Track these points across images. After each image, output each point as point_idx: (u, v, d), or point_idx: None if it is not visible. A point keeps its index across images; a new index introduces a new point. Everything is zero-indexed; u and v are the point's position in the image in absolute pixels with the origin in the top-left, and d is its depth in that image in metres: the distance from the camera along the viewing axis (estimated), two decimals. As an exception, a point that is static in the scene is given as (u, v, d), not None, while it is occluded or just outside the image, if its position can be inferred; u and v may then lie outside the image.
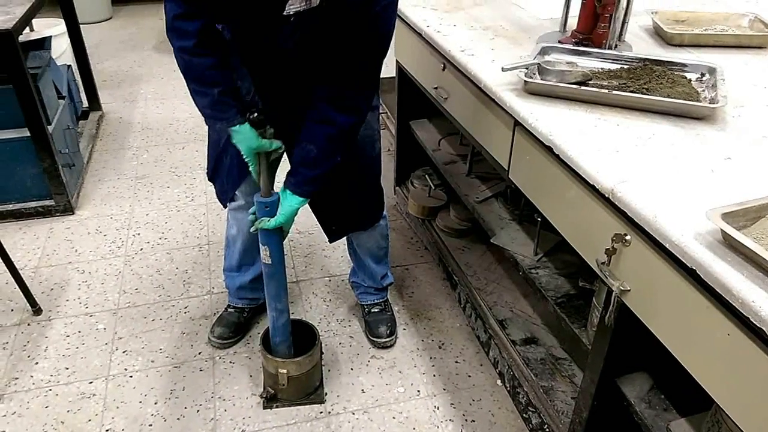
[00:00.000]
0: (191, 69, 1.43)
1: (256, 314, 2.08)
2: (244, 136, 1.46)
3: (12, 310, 2.13)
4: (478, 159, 2.16)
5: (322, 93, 1.44)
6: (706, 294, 0.94)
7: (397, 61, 2.24)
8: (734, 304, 0.88)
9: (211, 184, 1.83)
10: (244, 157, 1.48)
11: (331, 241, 1.86)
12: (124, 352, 1.98)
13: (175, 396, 1.84)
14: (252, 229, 1.56)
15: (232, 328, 2.01)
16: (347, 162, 1.55)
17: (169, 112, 3.54)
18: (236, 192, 1.74)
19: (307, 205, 1.56)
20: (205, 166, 1.88)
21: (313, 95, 1.46)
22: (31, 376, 1.89)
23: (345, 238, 1.94)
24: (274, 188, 1.53)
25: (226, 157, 1.67)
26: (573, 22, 1.71)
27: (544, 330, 1.88)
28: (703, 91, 1.41)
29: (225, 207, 1.82)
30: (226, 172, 1.69)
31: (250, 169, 1.51)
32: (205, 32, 1.38)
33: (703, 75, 1.47)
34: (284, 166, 1.56)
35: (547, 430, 1.65)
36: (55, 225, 2.57)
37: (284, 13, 1.29)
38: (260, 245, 1.59)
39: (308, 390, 1.82)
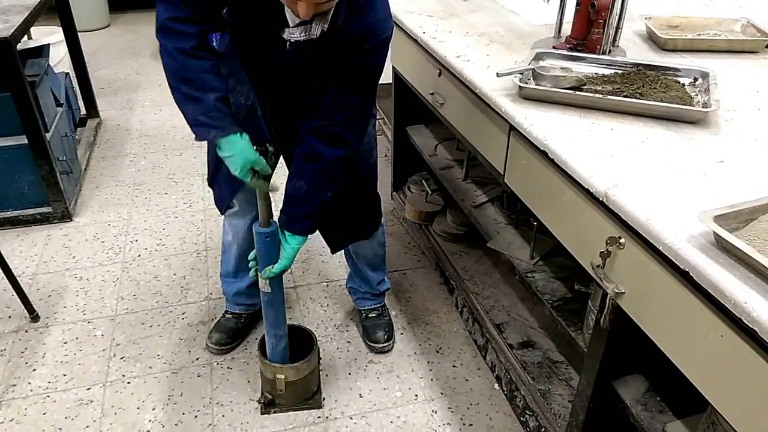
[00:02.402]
0: (186, 71, 1.32)
1: (253, 320, 2.08)
2: (240, 148, 1.35)
3: (9, 317, 2.13)
4: (474, 164, 2.17)
5: (310, 125, 1.44)
6: (699, 296, 0.95)
7: (393, 67, 2.25)
8: (727, 306, 0.89)
9: (210, 189, 1.83)
10: (238, 172, 1.37)
11: (333, 252, 1.87)
12: (121, 358, 1.99)
13: (173, 402, 1.84)
14: (251, 274, 1.58)
15: (230, 334, 2.01)
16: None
17: (167, 119, 3.55)
18: (233, 199, 1.75)
19: None
20: (204, 172, 1.88)
21: (301, 129, 1.46)
22: (29, 383, 1.89)
23: (341, 243, 1.95)
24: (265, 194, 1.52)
25: (224, 165, 1.65)
26: (567, 28, 1.72)
27: (541, 333, 1.89)
28: (696, 95, 1.42)
29: (222, 214, 1.83)
30: (224, 179, 1.69)
31: (247, 184, 1.41)
32: (204, 34, 1.32)
33: (696, 79, 1.48)
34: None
35: (545, 433, 1.65)
36: (53, 232, 2.58)
37: (285, 39, 1.32)
38: (259, 277, 1.60)
39: (306, 395, 1.82)
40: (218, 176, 1.73)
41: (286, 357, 1.75)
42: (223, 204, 1.79)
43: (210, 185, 1.81)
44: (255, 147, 1.38)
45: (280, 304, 1.66)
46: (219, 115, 1.34)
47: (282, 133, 1.59)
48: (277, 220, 1.53)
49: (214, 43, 1.44)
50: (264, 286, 1.60)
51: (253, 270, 1.58)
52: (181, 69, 1.32)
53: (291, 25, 1.31)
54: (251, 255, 1.56)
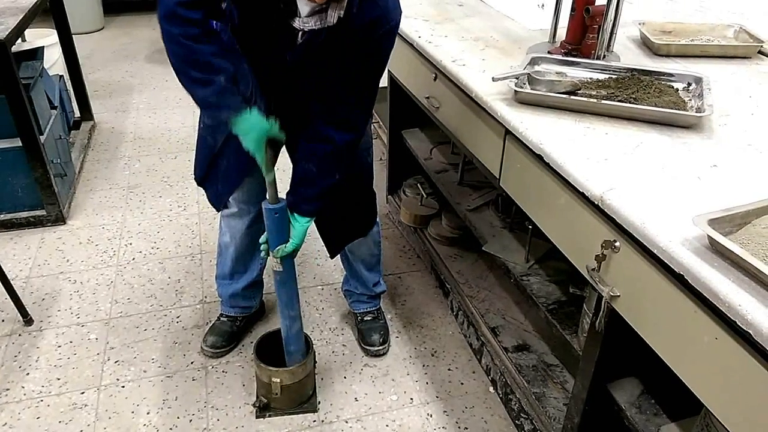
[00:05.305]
0: (194, 54, 1.31)
1: (248, 323, 2.08)
2: (253, 122, 1.35)
3: (3, 321, 2.12)
4: (469, 168, 2.18)
5: (318, 110, 1.46)
6: (693, 299, 0.96)
7: (389, 71, 2.26)
8: (721, 308, 0.89)
9: (202, 189, 1.80)
10: (251, 147, 1.38)
11: (332, 256, 1.87)
12: (116, 362, 1.98)
13: (168, 406, 1.83)
14: (263, 256, 1.61)
15: (225, 337, 2.01)
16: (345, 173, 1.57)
17: (161, 122, 3.54)
18: (230, 199, 1.75)
19: None
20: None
21: (309, 112, 1.48)
22: (23, 387, 1.88)
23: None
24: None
25: (222, 161, 1.64)
26: (562, 33, 1.73)
27: (536, 337, 1.89)
28: (690, 100, 1.43)
29: (219, 211, 1.82)
30: (222, 175, 1.68)
31: (258, 160, 1.41)
32: (207, 20, 1.31)
33: (689, 84, 1.50)
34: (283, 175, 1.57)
35: (540, 436, 1.66)
36: (47, 235, 2.57)
37: (298, 29, 1.33)
38: (271, 255, 1.61)
39: (301, 399, 1.82)
40: (214, 174, 1.70)
41: (301, 340, 1.74)
42: (220, 202, 1.77)
43: (201, 185, 1.78)
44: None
45: (293, 283, 1.66)
46: (229, 95, 1.35)
47: (286, 125, 1.58)
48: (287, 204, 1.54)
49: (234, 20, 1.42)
50: (276, 265, 1.61)
51: (264, 251, 1.59)
52: (189, 54, 1.31)
53: (303, 15, 1.31)
54: (262, 238, 1.57)
